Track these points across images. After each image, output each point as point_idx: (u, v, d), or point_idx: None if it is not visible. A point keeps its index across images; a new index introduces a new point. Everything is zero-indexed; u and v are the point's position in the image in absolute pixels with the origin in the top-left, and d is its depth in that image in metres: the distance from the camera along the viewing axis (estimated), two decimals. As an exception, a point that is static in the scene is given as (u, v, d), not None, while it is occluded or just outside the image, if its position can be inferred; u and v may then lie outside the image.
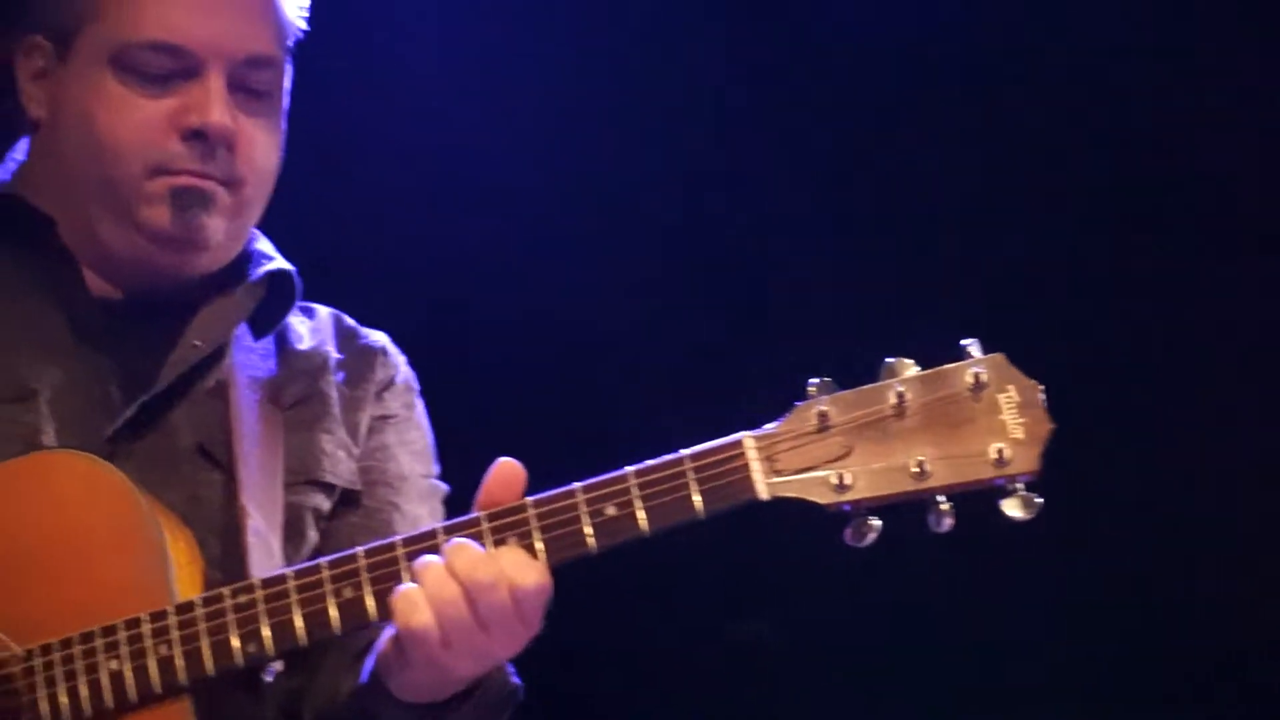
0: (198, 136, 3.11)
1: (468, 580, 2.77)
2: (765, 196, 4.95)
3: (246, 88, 3.16)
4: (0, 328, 3.14)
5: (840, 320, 4.66)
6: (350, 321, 3.40)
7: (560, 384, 4.98)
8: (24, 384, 3.10)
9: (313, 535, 3.19)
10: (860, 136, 4.93)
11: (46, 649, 2.85)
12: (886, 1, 4.90)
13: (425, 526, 2.89)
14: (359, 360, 3.33)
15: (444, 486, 3.32)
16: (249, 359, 3.24)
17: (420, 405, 3.37)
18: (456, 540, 2.81)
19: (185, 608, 2.86)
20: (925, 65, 4.86)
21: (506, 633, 2.80)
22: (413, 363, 3.40)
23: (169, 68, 3.12)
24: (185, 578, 2.92)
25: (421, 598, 2.79)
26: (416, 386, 3.38)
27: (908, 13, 4.86)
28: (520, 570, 2.78)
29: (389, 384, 3.33)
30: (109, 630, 2.85)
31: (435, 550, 2.82)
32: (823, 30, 4.91)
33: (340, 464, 3.23)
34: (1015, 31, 4.81)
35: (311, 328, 3.35)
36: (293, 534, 3.15)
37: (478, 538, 2.82)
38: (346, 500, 3.23)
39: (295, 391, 3.25)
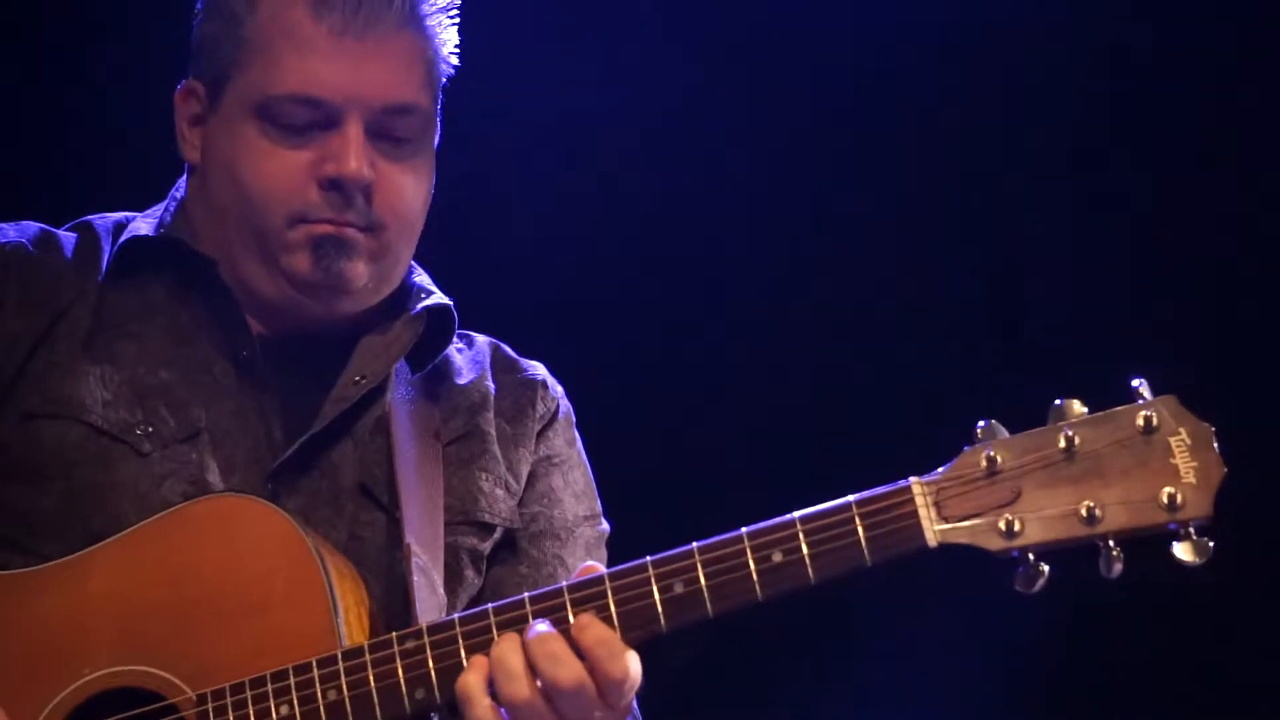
0: (335, 186, 3.13)
1: (549, 684, 2.78)
2: (933, 238, 4.92)
3: (388, 135, 3.16)
4: (167, 367, 3.17)
5: (1005, 360, 4.62)
6: (509, 351, 3.40)
7: (718, 424, 4.97)
8: (191, 423, 3.14)
9: (470, 575, 3.21)
10: (1008, 170, 4.90)
11: (219, 693, 2.89)
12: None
13: (595, 573, 2.87)
14: (518, 393, 3.33)
15: (606, 529, 3.33)
16: (409, 394, 3.25)
17: (579, 438, 3.38)
18: (540, 632, 2.81)
19: (354, 653, 2.87)
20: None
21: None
22: (570, 394, 3.40)
23: (308, 118, 3.14)
24: (353, 620, 2.94)
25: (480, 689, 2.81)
26: (574, 418, 3.39)
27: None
28: (611, 660, 2.78)
29: (550, 419, 3.33)
30: (279, 675, 2.88)
31: (604, 604, 2.82)
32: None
33: (499, 503, 3.24)
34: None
35: (470, 358, 3.36)
36: (451, 575, 3.16)
37: (645, 584, 2.81)
38: (507, 542, 3.24)
39: (455, 428, 3.27)
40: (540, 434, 3.32)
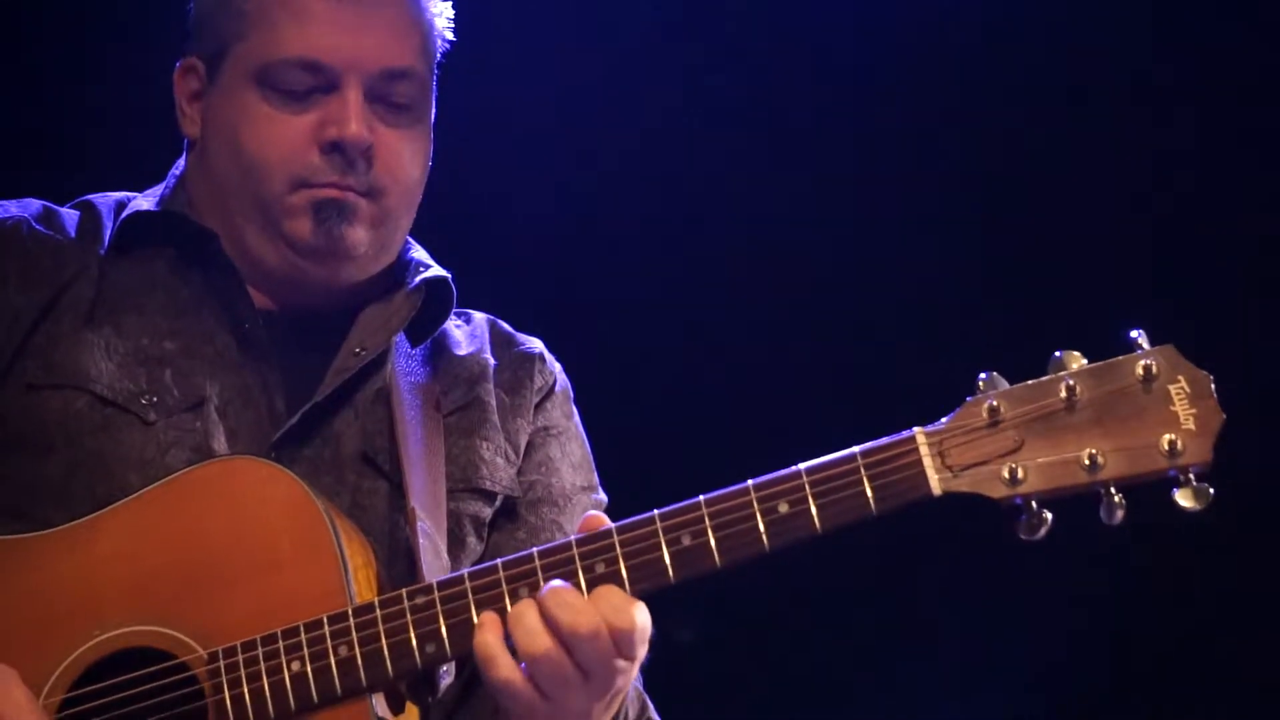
0: (336, 149, 3.17)
1: (567, 633, 2.82)
2: (931, 196, 4.97)
3: (386, 100, 3.21)
4: (171, 340, 3.20)
5: (1005, 313, 4.66)
6: (506, 327, 3.44)
7: (723, 382, 4.99)
8: (196, 393, 3.16)
9: (473, 542, 3.23)
10: (1005, 132, 4.95)
11: (230, 651, 2.90)
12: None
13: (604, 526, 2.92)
14: (516, 366, 3.37)
15: (604, 499, 3.36)
16: (409, 365, 3.28)
17: (576, 412, 3.41)
18: (554, 586, 2.84)
19: (364, 609, 2.90)
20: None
21: (614, 673, 2.85)
22: (567, 368, 3.43)
23: (309, 83, 3.19)
24: (361, 580, 2.96)
25: (500, 648, 2.84)
26: (572, 392, 3.42)
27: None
28: (618, 614, 2.82)
29: (548, 392, 3.37)
30: (290, 632, 2.90)
31: (612, 556, 2.86)
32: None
33: (499, 471, 3.27)
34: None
35: (468, 333, 3.39)
36: (453, 541, 3.19)
37: (653, 536, 2.85)
38: (507, 510, 3.27)
39: (455, 398, 3.30)
40: (538, 406, 3.35)
